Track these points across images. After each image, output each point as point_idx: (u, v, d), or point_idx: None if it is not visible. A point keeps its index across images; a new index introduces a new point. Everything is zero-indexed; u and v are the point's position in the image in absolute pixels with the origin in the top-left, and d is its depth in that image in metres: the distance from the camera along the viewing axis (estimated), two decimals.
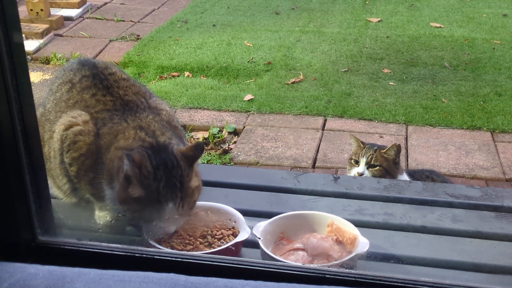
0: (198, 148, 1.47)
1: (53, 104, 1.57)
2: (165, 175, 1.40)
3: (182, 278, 1.07)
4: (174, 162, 1.43)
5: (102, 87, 1.55)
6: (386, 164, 2.62)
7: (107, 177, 1.47)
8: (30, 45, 5.10)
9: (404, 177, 2.69)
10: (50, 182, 1.58)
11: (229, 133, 3.95)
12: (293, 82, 4.64)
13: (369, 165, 2.63)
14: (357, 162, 2.67)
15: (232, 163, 3.60)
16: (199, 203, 1.59)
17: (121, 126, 1.49)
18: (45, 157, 1.55)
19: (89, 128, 1.49)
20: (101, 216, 1.58)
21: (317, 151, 3.73)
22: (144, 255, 1.22)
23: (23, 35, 5.00)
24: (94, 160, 1.49)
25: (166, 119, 1.57)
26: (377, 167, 2.62)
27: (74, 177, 1.53)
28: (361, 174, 2.62)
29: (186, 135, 3.80)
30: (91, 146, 1.48)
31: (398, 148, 2.64)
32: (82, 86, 1.55)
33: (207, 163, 3.54)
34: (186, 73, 4.82)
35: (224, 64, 4.94)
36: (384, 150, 2.64)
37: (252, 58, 5.05)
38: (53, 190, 1.61)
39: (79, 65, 1.61)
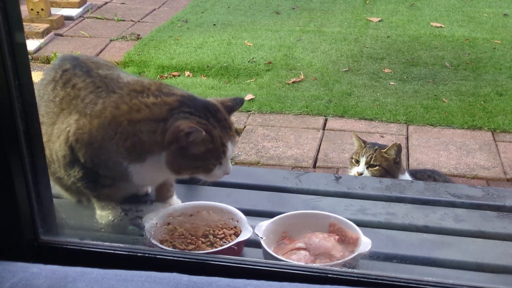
0: (238, 100, 1.50)
1: (44, 107, 1.54)
2: (216, 121, 1.42)
3: (184, 277, 1.07)
4: (214, 107, 1.44)
5: (82, 73, 1.51)
6: (386, 164, 2.62)
7: (130, 154, 1.42)
8: (30, 44, 5.10)
9: (406, 176, 2.69)
10: (54, 183, 1.57)
11: None
12: (293, 82, 4.64)
13: (368, 165, 2.63)
14: (357, 162, 2.67)
15: (233, 163, 3.60)
16: (201, 202, 1.60)
17: (116, 97, 1.44)
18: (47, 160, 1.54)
19: (83, 122, 1.44)
20: (103, 215, 1.57)
21: (318, 151, 3.73)
22: (147, 255, 1.22)
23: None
24: (106, 145, 1.44)
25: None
26: (377, 167, 2.62)
27: (92, 172, 1.49)
28: (360, 174, 2.62)
29: None
30: (96, 134, 1.44)
31: (398, 147, 2.64)
32: (64, 80, 1.52)
33: None
34: (187, 73, 4.82)
35: (225, 64, 4.94)
36: (384, 150, 2.64)
37: (253, 58, 5.05)
38: (56, 189, 1.60)
39: (60, 62, 1.58)
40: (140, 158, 1.43)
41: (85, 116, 1.44)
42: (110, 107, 1.42)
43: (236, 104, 1.50)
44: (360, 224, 1.51)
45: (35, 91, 1.58)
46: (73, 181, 1.52)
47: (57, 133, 1.48)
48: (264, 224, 1.50)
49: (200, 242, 1.47)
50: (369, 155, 2.64)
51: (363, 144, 2.71)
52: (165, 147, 1.39)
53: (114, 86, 1.47)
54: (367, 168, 2.63)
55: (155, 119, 1.39)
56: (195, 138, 1.35)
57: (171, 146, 1.38)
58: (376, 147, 2.68)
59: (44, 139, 1.52)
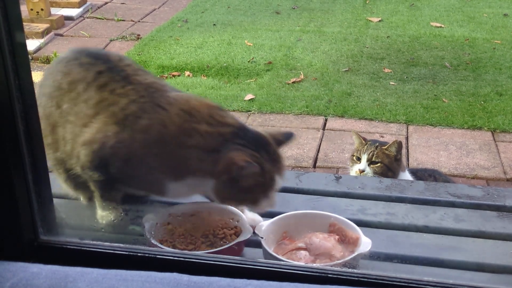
0: (289, 135, 1.51)
1: (71, 105, 1.47)
2: (267, 154, 1.41)
3: (185, 277, 1.07)
4: (265, 140, 1.44)
5: (120, 78, 1.45)
6: (388, 161, 2.62)
7: (172, 173, 1.42)
8: (30, 44, 5.09)
9: (407, 174, 2.69)
10: (58, 173, 1.57)
11: None
12: (293, 82, 4.64)
13: (370, 162, 2.63)
14: (358, 159, 2.67)
15: None
16: (201, 202, 1.59)
17: (164, 115, 1.40)
18: (59, 157, 1.52)
19: (124, 136, 1.40)
20: (104, 215, 1.57)
21: (318, 150, 3.73)
22: (147, 255, 1.22)
23: None
24: (147, 162, 1.42)
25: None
26: (378, 164, 2.62)
27: (114, 179, 1.48)
28: (362, 171, 2.62)
29: None
30: (138, 150, 1.41)
31: (399, 144, 2.64)
32: (99, 83, 1.46)
33: None
34: (187, 73, 4.82)
35: (225, 64, 4.94)
36: (385, 147, 2.64)
37: (253, 58, 5.05)
38: (56, 177, 1.59)
39: (91, 60, 1.50)
40: (181, 177, 1.42)
41: (126, 128, 1.40)
42: (158, 125, 1.39)
43: (286, 138, 1.49)
44: (360, 224, 1.52)
45: (50, 80, 1.54)
46: (88, 180, 1.51)
47: (89, 138, 1.44)
48: (264, 224, 1.50)
49: (200, 242, 1.47)
50: (371, 152, 2.64)
51: (363, 142, 2.71)
52: (214, 176, 1.38)
53: (160, 99, 1.42)
54: (368, 165, 2.63)
55: (207, 149, 1.38)
56: (247, 172, 1.35)
57: (221, 176, 1.37)
58: (377, 144, 2.68)
59: (69, 136, 1.48)
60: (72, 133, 1.48)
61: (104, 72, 1.47)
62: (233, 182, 1.38)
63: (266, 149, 1.42)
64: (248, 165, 1.34)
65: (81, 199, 1.64)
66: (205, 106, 1.44)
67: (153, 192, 1.54)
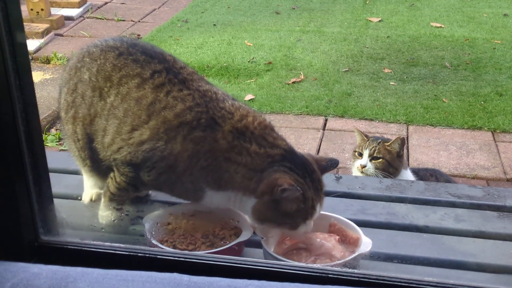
0: (333, 162, 1.49)
1: (120, 100, 1.45)
2: (311, 182, 1.41)
3: (185, 277, 1.07)
4: (311, 167, 1.43)
5: (177, 81, 1.45)
6: (389, 157, 2.62)
7: (214, 184, 1.42)
8: (30, 44, 5.09)
9: (408, 173, 2.69)
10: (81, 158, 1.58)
11: None
12: (293, 82, 4.64)
13: (372, 157, 2.63)
14: (360, 155, 2.67)
15: None
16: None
17: (217, 130, 1.40)
18: (90, 146, 1.52)
19: (174, 146, 1.41)
20: (104, 216, 1.57)
21: (318, 151, 3.73)
22: (147, 255, 1.21)
23: None
24: (191, 171, 1.42)
25: (240, 105, 1.49)
26: (380, 160, 2.62)
27: (144, 180, 1.48)
28: (364, 166, 2.62)
29: None
30: (185, 160, 1.41)
31: (402, 141, 2.64)
32: (155, 83, 1.44)
33: None
34: None
35: (225, 64, 4.94)
36: (388, 143, 2.64)
37: (253, 58, 5.04)
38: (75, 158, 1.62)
39: (146, 56, 1.48)
40: (223, 189, 1.42)
41: (178, 137, 1.41)
42: (210, 139, 1.40)
43: (330, 165, 1.49)
44: (360, 224, 1.52)
45: (94, 69, 1.50)
46: (115, 173, 1.51)
47: (140, 140, 1.44)
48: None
49: (200, 242, 1.47)
50: (373, 147, 2.64)
51: (365, 138, 2.71)
52: (257, 195, 1.38)
53: (215, 111, 1.42)
54: (370, 160, 2.62)
55: (254, 168, 1.39)
56: (290, 195, 1.34)
57: (263, 196, 1.37)
58: (380, 140, 2.68)
59: (112, 130, 1.47)
60: (118, 129, 1.46)
61: (161, 72, 1.46)
62: (274, 203, 1.37)
63: (311, 176, 1.42)
64: (292, 188, 1.33)
65: (87, 186, 1.65)
66: (258, 125, 1.44)
67: (186, 199, 1.54)
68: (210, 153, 1.40)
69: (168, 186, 1.50)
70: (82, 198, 1.69)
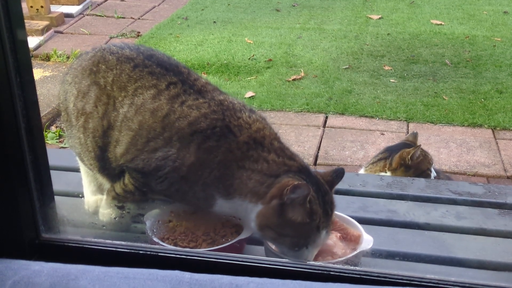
0: (339, 173, 1.44)
1: (134, 112, 1.44)
2: (322, 202, 1.36)
3: (187, 275, 1.07)
4: (324, 187, 1.39)
5: (193, 92, 1.44)
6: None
7: (225, 191, 1.40)
8: (30, 42, 5.09)
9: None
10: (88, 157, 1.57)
11: None
12: (294, 79, 4.64)
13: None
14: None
15: None
16: None
17: (232, 140, 1.38)
18: (102, 155, 1.51)
19: (187, 155, 1.39)
20: (105, 213, 1.57)
21: (319, 148, 3.73)
22: (148, 252, 1.22)
23: None
24: (203, 180, 1.40)
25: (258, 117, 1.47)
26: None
27: (153, 187, 1.47)
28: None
29: None
30: (197, 169, 1.40)
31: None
32: (171, 94, 1.44)
33: None
34: None
35: (225, 61, 4.93)
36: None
37: (253, 55, 5.04)
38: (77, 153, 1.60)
39: (161, 69, 1.48)
40: (232, 196, 1.40)
41: (191, 145, 1.39)
42: (224, 149, 1.38)
43: (337, 177, 1.44)
44: (361, 221, 1.52)
45: (109, 78, 1.48)
46: (125, 177, 1.50)
47: (152, 148, 1.43)
48: None
49: (201, 239, 1.47)
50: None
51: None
52: (265, 200, 1.35)
53: (231, 120, 1.41)
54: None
55: (269, 173, 1.37)
56: (299, 195, 1.30)
57: (272, 200, 1.34)
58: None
59: (125, 140, 1.46)
60: (132, 140, 1.45)
61: (176, 83, 1.46)
62: (280, 208, 1.33)
63: (324, 197, 1.38)
64: (302, 186, 1.29)
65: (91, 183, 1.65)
66: (276, 139, 1.43)
67: (196, 207, 1.52)
68: (223, 163, 1.38)
69: (179, 195, 1.48)
70: (86, 206, 1.66)
